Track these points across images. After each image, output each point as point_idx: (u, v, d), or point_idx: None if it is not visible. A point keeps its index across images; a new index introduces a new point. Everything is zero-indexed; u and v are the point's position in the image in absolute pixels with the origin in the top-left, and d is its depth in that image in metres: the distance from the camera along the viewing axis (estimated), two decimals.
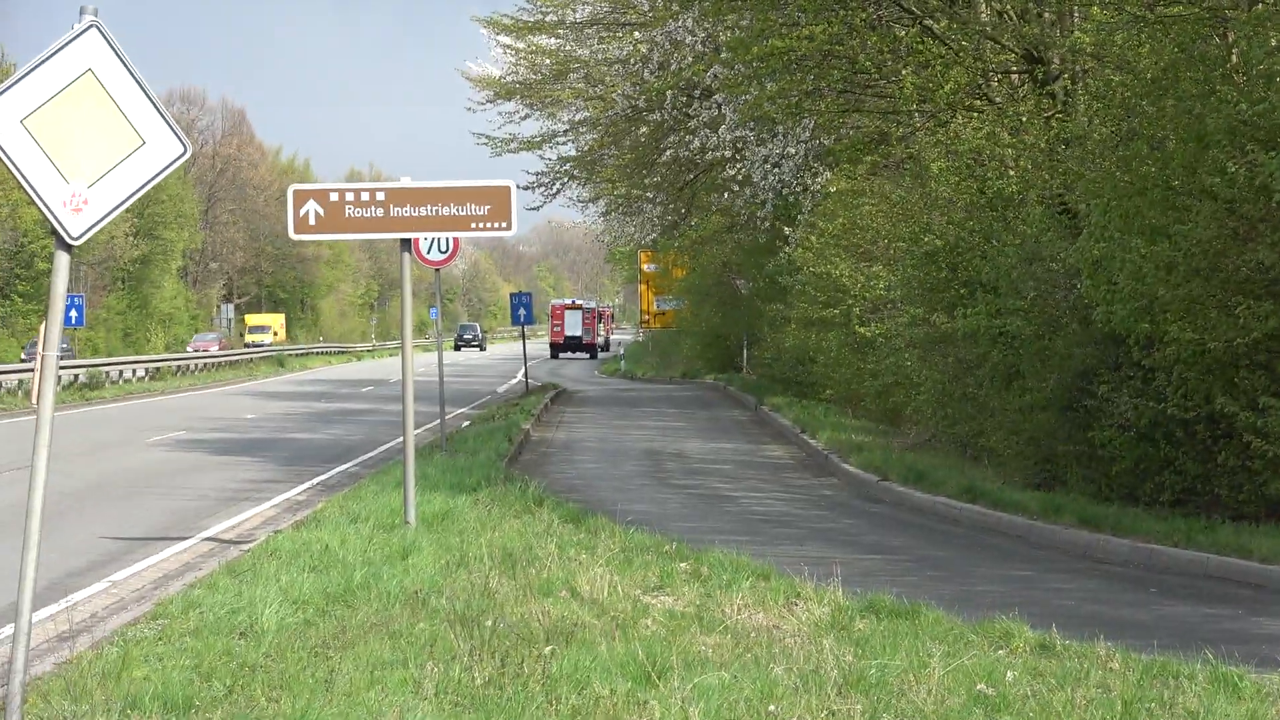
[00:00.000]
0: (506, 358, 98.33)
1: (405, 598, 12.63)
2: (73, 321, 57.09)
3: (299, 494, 23.15)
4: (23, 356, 64.89)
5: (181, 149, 9.69)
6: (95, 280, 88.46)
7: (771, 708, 9.31)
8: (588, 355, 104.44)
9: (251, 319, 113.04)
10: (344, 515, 17.71)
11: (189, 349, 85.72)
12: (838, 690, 9.71)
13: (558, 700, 9.39)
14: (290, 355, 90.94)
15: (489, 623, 11.34)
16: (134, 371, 62.91)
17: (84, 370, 57.24)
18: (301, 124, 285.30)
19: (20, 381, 50.08)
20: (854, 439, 28.65)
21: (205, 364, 73.40)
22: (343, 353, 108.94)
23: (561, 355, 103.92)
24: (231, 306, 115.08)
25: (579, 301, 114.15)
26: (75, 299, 58.56)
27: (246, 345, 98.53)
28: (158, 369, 66.31)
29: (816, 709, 9.31)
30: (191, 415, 42.26)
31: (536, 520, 17.30)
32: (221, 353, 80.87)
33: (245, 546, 16.52)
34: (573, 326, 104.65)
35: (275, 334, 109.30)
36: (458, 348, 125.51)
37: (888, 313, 30.43)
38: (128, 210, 63.54)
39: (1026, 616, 12.05)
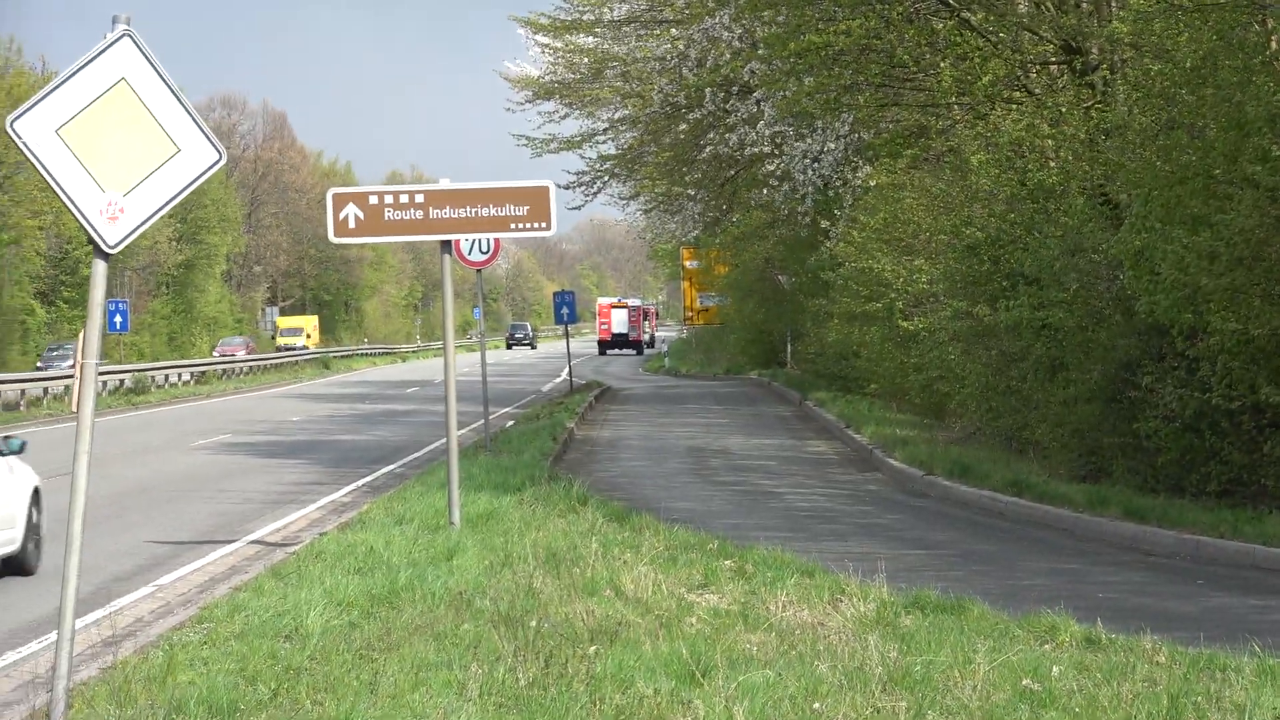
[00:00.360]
0: (552, 356, 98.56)
1: (450, 599, 12.64)
2: (117, 327, 57.28)
3: (344, 496, 23.20)
4: (38, 365, 64.72)
5: (216, 156, 9.74)
6: (140, 285, 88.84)
7: (816, 705, 9.28)
8: (634, 351, 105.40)
9: (283, 321, 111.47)
10: (389, 517, 17.75)
11: (214, 354, 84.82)
12: (882, 687, 9.68)
13: (601, 700, 9.38)
14: (334, 357, 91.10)
15: (533, 623, 11.34)
16: (179, 376, 63.22)
17: (129, 375, 57.56)
18: (343, 127, 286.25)
19: (66, 388, 50.34)
20: (898, 433, 28.58)
21: (250, 367, 73.68)
22: (387, 354, 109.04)
23: (609, 352, 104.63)
24: (276, 309, 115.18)
25: (625, 300, 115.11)
26: (120, 304, 58.77)
27: (279, 349, 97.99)
28: (203, 373, 66.61)
29: (861, 706, 9.28)
30: (236, 418, 42.43)
31: (580, 519, 17.28)
32: (252, 357, 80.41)
33: (291, 549, 16.57)
34: (619, 324, 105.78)
35: (309, 336, 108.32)
36: (509, 346, 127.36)
37: (930, 306, 30.33)
38: (170, 215, 63.60)
39: (1072, 610, 11.98)
